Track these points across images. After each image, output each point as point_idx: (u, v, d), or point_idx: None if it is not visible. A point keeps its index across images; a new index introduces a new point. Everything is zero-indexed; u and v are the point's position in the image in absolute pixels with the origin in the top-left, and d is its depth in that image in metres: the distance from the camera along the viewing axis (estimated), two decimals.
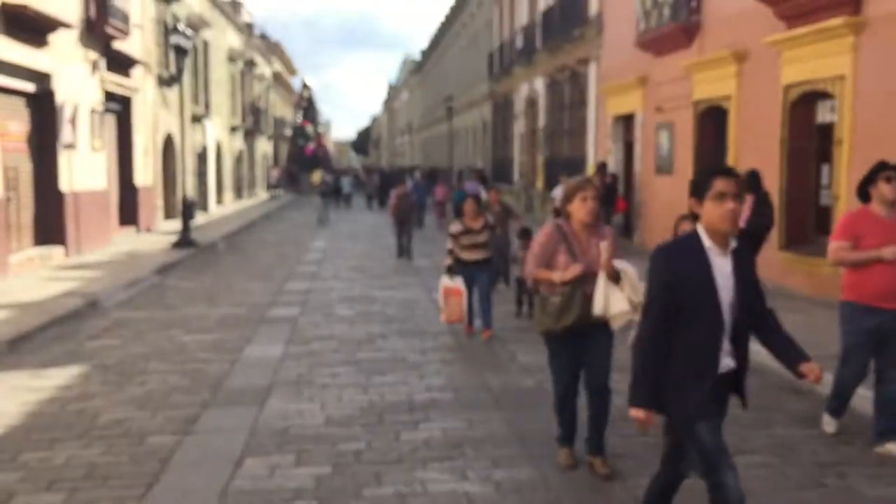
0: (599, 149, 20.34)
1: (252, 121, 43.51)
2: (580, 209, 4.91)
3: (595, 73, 20.81)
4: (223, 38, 35.71)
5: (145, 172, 22.20)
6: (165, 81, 24.03)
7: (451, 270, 8.72)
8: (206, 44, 30.65)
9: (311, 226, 25.86)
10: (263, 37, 56.73)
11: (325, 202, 27.03)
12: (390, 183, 37.18)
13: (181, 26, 18.92)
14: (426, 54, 65.78)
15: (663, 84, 16.07)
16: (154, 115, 23.36)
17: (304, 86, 64.47)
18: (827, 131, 11.06)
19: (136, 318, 10.11)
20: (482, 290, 8.90)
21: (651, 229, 16.67)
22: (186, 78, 27.19)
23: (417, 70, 73.51)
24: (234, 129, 38.12)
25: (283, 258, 17.00)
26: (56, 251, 15.13)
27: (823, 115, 11.07)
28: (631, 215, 18.27)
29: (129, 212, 21.12)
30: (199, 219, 27.55)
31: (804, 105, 11.30)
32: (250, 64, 43.77)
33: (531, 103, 28.41)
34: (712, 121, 14.26)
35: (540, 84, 26.61)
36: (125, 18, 18.50)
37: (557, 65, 24.05)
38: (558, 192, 18.00)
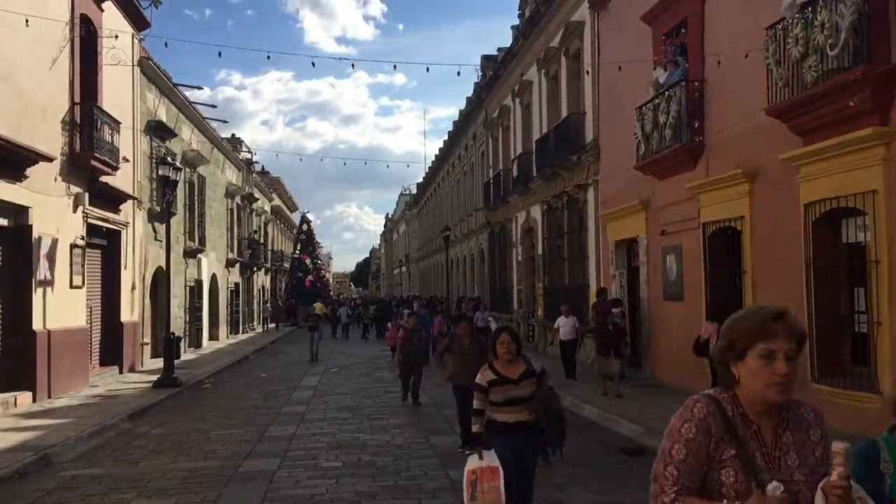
0: (603, 275, 19.53)
1: (249, 254, 43.11)
2: (763, 374, 2.35)
3: (594, 198, 20.29)
4: (221, 174, 35.74)
5: (132, 309, 21.30)
6: (157, 216, 23.52)
7: (479, 441, 6.03)
8: (202, 179, 30.49)
9: (305, 360, 24.70)
10: (263, 172, 57.42)
11: (313, 336, 25.24)
12: (388, 312, 36.51)
13: (170, 158, 18.50)
14: (423, 186, 66.50)
15: (668, 206, 15.43)
16: (143, 249, 22.71)
17: (304, 219, 64.71)
18: (857, 251, 10.22)
19: (88, 476, 8.88)
20: (524, 470, 6.13)
21: (661, 359, 15.59)
22: (180, 212, 26.92)
23: (414, 203, 74.20)
24: (230, 263, 37.57)
25: (271, 397, 15.81)
26: (22, 396, 13.98)
27: (852, 233, 10.25)
28: (639, 344, 17.21)
29: (112, 350, 20.06)
30: (190, 355, 26.50)
31: (829, 223, 10.51)
32: (249, 199, 43.83)
33: (528, 231, 27.91)
34: (724, 243, 13.48)
35: (537, 211, 26.17)
36: (113, 152, 18.10)
37: (554, 192, 23.65)
38: (562, 323, 17.27)
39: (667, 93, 14.54)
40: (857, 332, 10.30)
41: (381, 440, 10.63)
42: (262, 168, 57.80)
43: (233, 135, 41.89)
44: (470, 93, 39.38)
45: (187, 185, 28.01)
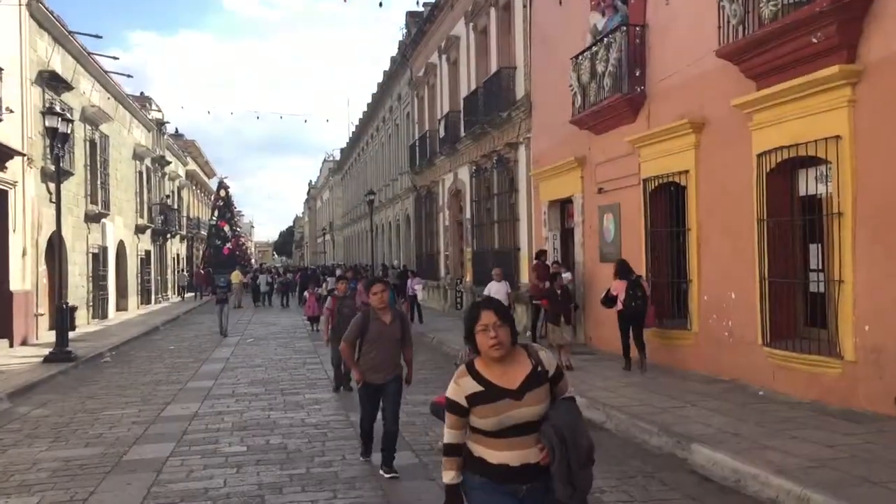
0: (535, 238, 18.62)
1: (162, 220, 40.81)
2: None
3: (525, 157, 19.31)
4: (127, 133, 33.39)
5: (23, 276, 19.36)
6: (52, 175, 21.42)
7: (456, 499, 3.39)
8: (105, 138, 28.25)
9: (216, 331, 23.15)
10: (177, 135, 54.63)
11: (221, 308, 22.07)
12: (310, 280, 35.12)
13: (60, 109, 16.61)
14: (346, 152, 64.62)
15: (605, 163, 14.53)
16: (37, 211, 20.69)
17: (221, 185, 62.04)
18: (813, 204, 9.46)
19: None
20: None
21: (597, 324, 14.78)
22: (80, 172, 24.80)
23: (338, 169, 72.25)
24: (140, 230, 35.36)
25: (177, 371, 14.37)
26: None
27: (808, 185, 9.46)
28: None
29: (0, 322, 18.16)
30: (93, 327, 24.65)
31: (783, 175, 9.71)
32: (160, 161, 41.42)
33: (456, 194, 26.83)
34: (666, 200, 12.66)
35: (465, 173, 25.07)
36: None
37: (483, 152, 22.57)
38: (494, 288, 15.69)
39: (605, 39, 13.55)
40: (811, 293, 9.57)
41: (295, 419, 9.41)
42: (176, 130, 55.10)
43: (141, 93, 39.37)
44: (395, 52, 37.82)
45: (87, 143, 25.86)
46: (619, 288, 12.03)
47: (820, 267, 9.30)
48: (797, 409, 8.49)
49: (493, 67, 21.51)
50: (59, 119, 15.71)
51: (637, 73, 13.00)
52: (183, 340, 20.65)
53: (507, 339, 3.29)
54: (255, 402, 10.66)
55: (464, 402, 3.28)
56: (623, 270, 12.14)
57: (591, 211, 15.33)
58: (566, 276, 14.65)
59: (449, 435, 3.35)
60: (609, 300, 12.15)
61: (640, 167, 13.08)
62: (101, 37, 32.68)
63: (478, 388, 3.28)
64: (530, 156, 18.85)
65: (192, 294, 46.88)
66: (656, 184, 12.64)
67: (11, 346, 18.09)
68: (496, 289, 15.61)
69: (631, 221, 13.57)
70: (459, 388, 3.32)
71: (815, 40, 8.52)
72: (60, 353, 15.51)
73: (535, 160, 18.41)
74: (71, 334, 21.36)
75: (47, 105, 17.51)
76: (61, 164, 21.90)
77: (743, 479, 6.26)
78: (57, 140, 15.98)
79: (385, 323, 6.85)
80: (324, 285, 23.84)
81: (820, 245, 9.31)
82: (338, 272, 32.43)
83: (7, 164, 18.14)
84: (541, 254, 16.51)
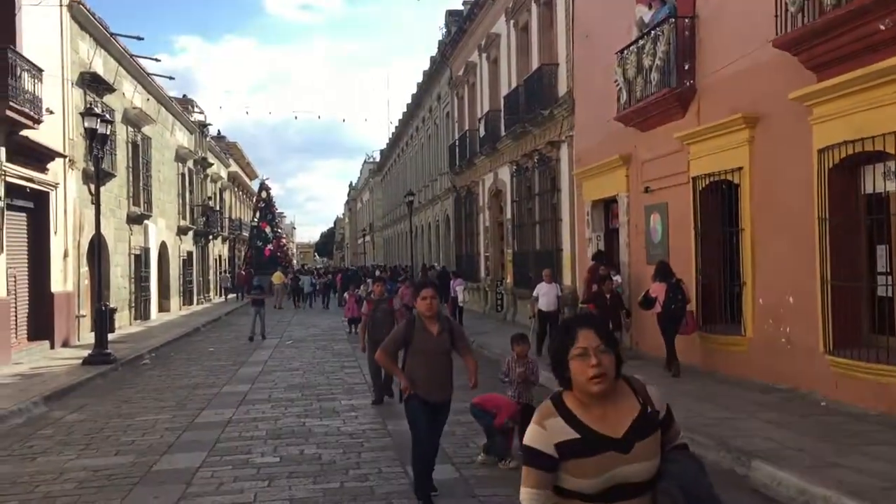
0: (578, 238, 18.11)
1: (204, 222, 41.05)
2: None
3: (567, 155, 18.82)
4: (170, 135, 33.62)
5: (65, 278, 19.44)
6: (93, 177, 21.50)
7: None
8: (147, 139, 28.41)
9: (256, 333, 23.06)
10: (219, 137, 55.08)
11: (256, 311, 21.00)
12: (353, 280, 34.92)
13: (98, 109, 16.57)
14: (386, 153, 64.55)
15: (652, 161, 13.99)
16: (78, 213, 20.78)
17: (262, 186, 62.40)
18: (880, 203, 8.87)
19: None
20: None
21: (644, 329, 14.22)
22: (122, 174, 24.93)
23: (378, 170, 72.23)
24: (182, 231, 35.57)
25: (214, 374, 14.20)
26: None
27: (874, 182, 8.87)
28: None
29: (42, 324, 18.24)
30: (135, 328, 24.77)
31: (846, 172, 9.13)
32: (202, 163, 41.67)
33: (496, 194, 26.39)
34: (717, 198, 12.09)
35: (505, 173, 24.64)
36: (34, 104, 16.15)
37: (524, 151, 22.13)
38: (543, 290, 14.70)
39: (652, 32, 13.01)
40: (878, 297, 8.97)
41: (331, 427, 9.09)
42: (219, 133, 55.57)
43: (184, 95, 39.67)
44: (434, 52, 37.49)
45: (130, 145, 26.01)
46: (658, 290, 11.80)
47: (888, 270, 8.71)
48: (864, 422, 7.92)
49: (535, 65, 21.04)
50: (98, 120, 15.66)
51: (686, 67, 12.47)
52: (223, 342, 20.55)
53: (612, 368, 2.46)
54: (290, 409, 10.38)
55: (553, 453, 2.41)
56: (663, 272, 11.94)
57: (637, 211, 14.80)
58: (616, 279, 14.05)
59: (529, 497, 2.45)
60: (647, 301, 11.85)
61: (690, 165, 12.52)
62: (142, 38, 33.00)
63: (573, 434, 2.42)
64: (573, 154, 18.35)
65: (235, 295, 47.14)
66: (707, 182, 12.08)
67: (52, 347, 18.14)
68: (545, 290, 14.79)
69: (679, 221, 13.03)
70: (546, 433, 2.43)
71: (882, 27, 7.94)
72: (99, 355, 15.45)
73: (577, 159, 17.91)
74: (112, 336, 21.49)
75: (88, 106, 17.45)
76: (102, 166, 22.20)
77: (812, 500, 5.75)
78: (96, 141, 15.92)
79: (432, 333, 6.06)
80: (363, 287, 23.49)
81: (887, 246, 8.71)
82: (377, 273, 32.29)
83: (48, 166, 18.19)
84: (598, 255, 15.63)
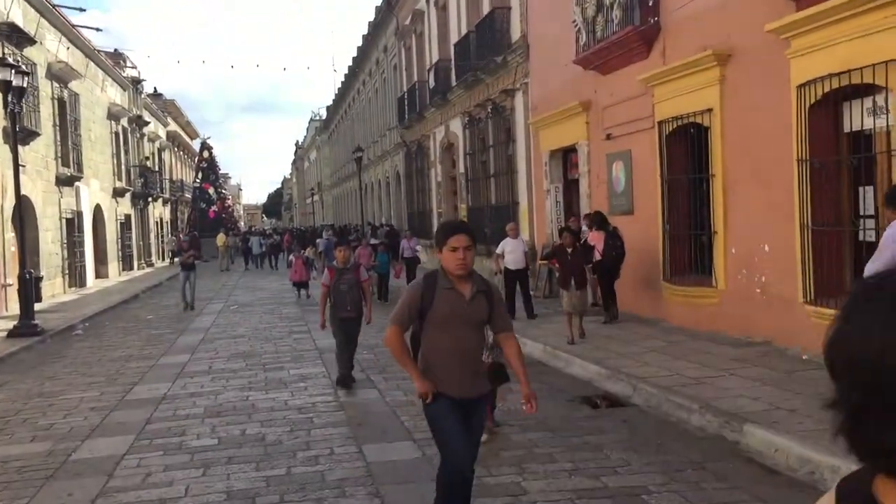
0: (536, 190, 17.38)
1: (142, 183, 39.25)
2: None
3: (523, 104, 17.98)
4: (101, 92, 31.74)
5: None
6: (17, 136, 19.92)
7: None
8: (75, 96, 26.64)
9: (201, 298, 21.96)
10: (156, 94, 52.75)
11: (187, 277, 18.45)
12: (303, 241, 33.74)
13: (13, 60, 15.13)
14: (332, 110, 62.83)
15: (614, 106, 13.24)
16: (0, 174, 19.28)
17: (204, 146, 60.29)
18: (863, 141, 8.26)
19: None
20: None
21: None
22: (48, 133, 23.30)
23: (324, 128, 70.46)
24: (118, 193, 33.87)
25: (151, 344, 13.21)
26: None
27: (860, 120, 8.23)
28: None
29: None
30: (69, 296, 23.42)
31: (827, 109, 8.48)
32: (138, 122, 39.70)
33: (448, 147, 25.50)
34: (685, 143, 11.41)
35: (457, 125, 23.72)
36: None
37: (477, 101, 21.21)
38: (509, 246, 13.05)
39: None
40: (862, 242, 8.41)
41: (277, 400, 8.25)
42: (155, 90, 53.19)
43: (115, 49, 37.52)
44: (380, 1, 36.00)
45: (56, 101, 24.30)
46: (596, 239, 12.09)
47: (873, 213, 8.13)
48: None
49: (486, 9, 20.04)
50: (13, 71, 14.25)
51: (650, 3, 11.67)
52: (162, 309, 19.46)
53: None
54: (232, 381, 9.49)
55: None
56: (599, 221, 12.32)
57: (599, 159, 14.09)
58: (585, 231, 12.99)
59: None
60: (587, 251, 11.54)
61: (655, 108, 11.81)
62: (84, 10, 30.24)
63: None
64: (528, 102, 17.53)
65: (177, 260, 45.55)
66: (673, 126, 11.38)
67: None
68: (511, 246, 13.27)
69: (644, 169, 12.36)
70: None
71: None
72: (25, 326, 14.31)
73: (533, 107, 17.09)
74: (44, 305, 20.26)
75: (1, 57, 15.94)
76: (25, 124, 20.67)
77: (818, 471, 5.14)
78: (12, 95, 14.51)
79: (463, 296, 4.05)
80: (310, 249, 22.37)
81: (872, 188, 8.12)
82: (324, 234, 31.14)
83: None
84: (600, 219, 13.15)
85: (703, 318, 10.79)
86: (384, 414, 7.41)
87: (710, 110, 10.41)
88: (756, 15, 9.26)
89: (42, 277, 20.24)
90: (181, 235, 39.79)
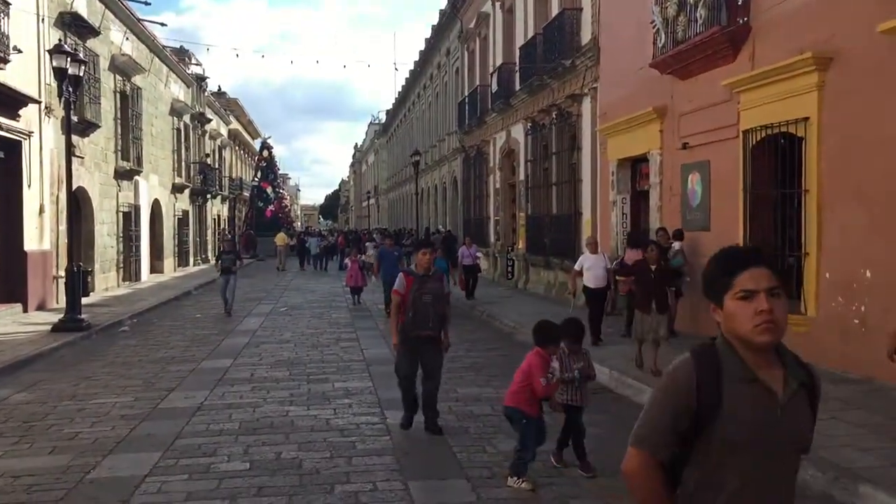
0: (601, 202, 16.47)
1: (201, 180, 39.34)
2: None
3: (590, 110, 17.10)
4: (164, 88, 31.82)
5: (40, 235, 17.89)
6: (75, 127, 19.83)
7: None
8: (137, 90, 26.63)
9: (254, 297, 21.59)
10: (219, 93, 53.20)
11: (227, 281, 17.25)
12: (358, 242, 33.34)
13: (69, 48, 14.87)
14: (392, 113, 62.58)
15: (692, 113, 12.31)
16: (56, 165, 19.15)
17: (264, 145, 60.51)
18: None
19: None
20: None
21: (680, 305, 12.66)
22: (109, 125, 23.25)
23: (384, 131, 70.30)
24: (177, 189, 33.92)
25: (196, 345, 12.72)
26: None
27: None
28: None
29: (14, 285, 16.75)
30: (123, 290, 23.29)
31: None
32: (200, 119, 39.87)
33: (509, 154, 24.70)
34: (772, 155, 10.43)
35: (519, 131, 22.93)
36: (0, 41, 14.49)
37: (541, 106, 20.39)
38: (588, 262, 11.63)
39: None
40: None
41: (319, 418, 7.57)
42: (219, 88, 53.69)
43: (181, 46, 37.72)
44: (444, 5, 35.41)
45: (118, 94, 24.28)
46: (632, 256, 11.40)
47: None
48: None
49: (555, 11, 19.23)
50: (69, 59, 13.96)
51: (740, 2, 10.73)
52: (212, 308, 19.04)
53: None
54: (273, 392, 8.86)
55: None
56: (635, 240, 12.05)
57: (672, 170, 13.15)
58: (675, 245, 11.80)
59: None
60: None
61: (740, 116, 10.86)
62: (149, 3, 29.88)
63: None
64: (596, 109, 16.65)
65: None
66: (761, 136, 10.41)
67: (26, 310, 16.67)
68: (591, 262, 11.75)
69: (724, 182, 11.39)
70: None
71: None
72: (71, 321, 13.97)
73: (602, 113, 16.21)
74: (96, 298, 20.10)
75: (57, 43, 15.66)
76: (86, 116, 20.58)
77: None
78: (68, 83, 14.23)
79: (773, 394, 2.15)
80: (355, 254, 21.38)
81: None
82: (376, 238, 30.48)
83: (20, 112, 16.55)
84: (678, 234, 12.30)
85: (788, 346, 9.77)
86: (435, 442, 6.66)
87: (805, 119, 9.44)
88: (865, 15, 8.30)
89: (91, 271, 20.03)
90: (227, 234, 39.66)
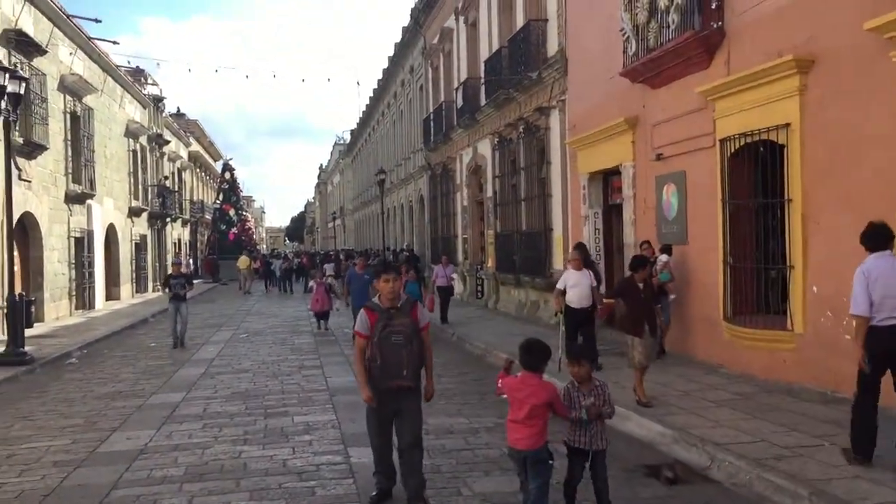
0: (572, 216, 15.97)
1: (160, 203, 38.27)
2: None
3: (559, 122, 16.65)
4: (118, 108, 30.86)
5: None
6: (20, 149, 18.91)
7: None
8: (89, 111, 25.67)
9: (213, 322, 20.73)
10: (178, 114, 52.16)
11: (176, 308, 15.82)
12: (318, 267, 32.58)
13: (12, 65, 14.03)
14: (356, 133, 61.97)
15: (666, 122, 11.87)
16: (1, 190, 18.18)
17: (226, 167, 59.39)
18: None
19: None
20: None
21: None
22: (58, 147, 22.29)
23: (348, 151, 69.67)
24: (134, 212, 32.89)
25: (146, 377, 11.89)
26: None
27: None
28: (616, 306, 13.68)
29: None
30: (75, 318, 22.26)
31: None
32: (158, 140, 38.86)
33: (476, 170, 24.18)
34: (750, 164, 9.98)
35: (486, 146, 22.44)
36: None
37: (508, 120, 19.93)
38: (573, 280, 10.48)
39: None
40: None
41: (275, 459, 6.85)
42: (178, 110, 52.68)
43: (137, 67, 36.73)
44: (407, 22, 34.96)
45: (68, 115, 23.34)
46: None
47: None
48: None
49: (520, 23, 18.81)
50: (7, 76, 13.14)
51: (713, 5, 10.32)
52: (168, 336, 18.13)
53: None
54: (227, 429, 8.11)
55: None
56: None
57: (646, 182, 12.69)
58: (662, 259, 11.12)
59: None
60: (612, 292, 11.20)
61: (716, 125, 10.43)
62: (100, 20, 29.30)
63: None
64: (565, 121, 16.20)
65: (200, 280, 44.56)
66: (739, 144, 9.96)
67: None
68: (575, 279, 10.66)
69: (701, 193, 10.94)
70: None
71: None
72: (13, 354, 13.07)
73: (571, 125, 15.75)
74: (44, 328, 19.08)
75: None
76: (32, 137, 19.65)
77: None
78: (7, 102, 13.39)
79: None
80: (319, 276, 20.24)
81: None
82: (342, 258, 29.70)
83: None
84: (643, 243, 12.00)
85: (773, 365, 9.29)
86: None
87: (786, 125, 8.99)
88: (849, 12, 7.89)
89: (34, 300, 18.97)
90: (178, 257, 38.45)
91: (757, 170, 9.83)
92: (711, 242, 10.62)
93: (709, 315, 10.67)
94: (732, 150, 10.12)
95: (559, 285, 10.95)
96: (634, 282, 8.64)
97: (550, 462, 4.83)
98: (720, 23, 10.25)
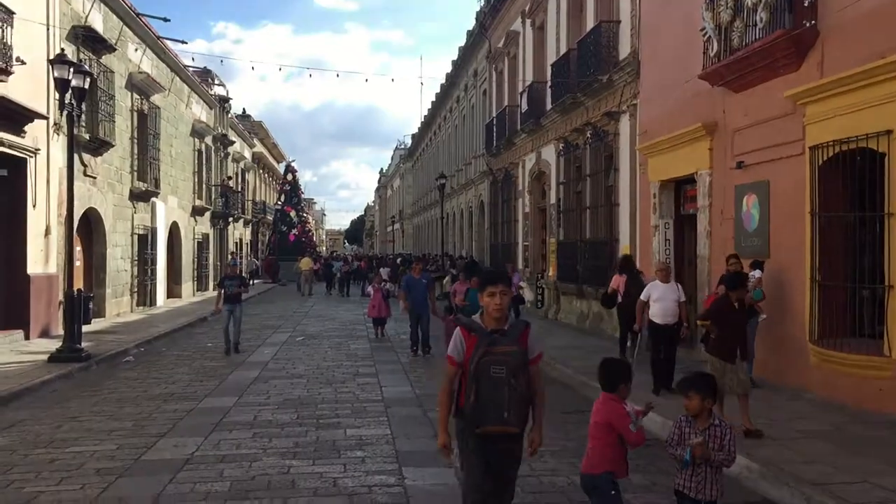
0: (641, 226, 15.27)
1: (223, 203, 38.57)
2: None
3: (629, 128, 15.96)
4: (185, 108, 31.16)
5: (45, 258, 17.01)
6: (86, 145, 19.06)
7: None
8: (156, 109, 25.89)
9: (271, 324, 20.56)
10: (244, 116, 52.83)
11: (230, 311, 14.78)
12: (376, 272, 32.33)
13: (80, 61, 14.02)
14: (418, 137, 61.84)
15: (748, 128, 11.13)
16: (65, 184, 18.31)
17: (288, 169, 59.92)
18: None
19: None
20: None
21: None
22: (124, 145, 22.49)
23: (409, 156, 69.60)
24: (197, 211, 33.16)
25: (200, 379, 11.65)
26: None
27: None
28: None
29: (15, 310, 15.85)
30: (136, 315, 22.41)
31: None
32: (222, 141, 39.23)
33: (539, 176, 23.58)
34: (843, 174, 9.21)
35: (550, 152, 21.83)
36: (2, 51, 13.69)
37: (574, 125, 19.29)
38: (656, 292, 9.79)
39: None
40: None
41: (325, 477, 6.41)
42: (244, 111, 53.37)
43: (204, 67, 37.15)
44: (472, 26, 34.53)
45: (135, 113, 23.55)
46: (618, 282, 12.20)
47: None
48: None
49: (590, 24, 18.17)
50: (71, 69, 13.09)
51: (806, 3, 9.58)
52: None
53: None
54: (276, 440, 7.72)
55: None
56: (624, 266, 12.43)
57: (724, 192, 11.94)
58: (755, 274, 10.15)
59: None
60: (610, 297, 12.39)
61: (806, 131, 9.67)
62: (168, 20, 29.80)
63: None
64: (636, 126, 15.51)
65: (260, 281, 44.89)
66: (832, 152, 9.21)
67: (27, 337, 15.75)
68: (660, 292, 9.91)
69: (787, 204, 10.18)
70: None
71: None
72: (69, 350, 12.99)
73: (643, 131, 15.06)
74: (105, 324, 19.18)
75: (59, 53, 14.72)
76: (99, 134, 19.79)
77: None
78: (71, 96, 13.35)
79: None
80: (377, 281, 19.48)
81: None
82: (398, 261, 29.38)
83: (26, 129, 15.72)
84: (732, 257, 10.78)
85: (867, 393, 8.50)
86: None
87: (888, 133, 8.23)
88: None
89: (94, 296, 19.06)
90: (234, 258, 38.49)
91: (852, 180, 9.07)
92: (797, 257, 9.87)
93: (793, 335, 9.91)
94: (824, 159, 9.36)
95: (642, 296, 10.23)
96: (731, 301, 7.86)
97: (613, 493, 4.29)
98: (813, 21, 9.51)
